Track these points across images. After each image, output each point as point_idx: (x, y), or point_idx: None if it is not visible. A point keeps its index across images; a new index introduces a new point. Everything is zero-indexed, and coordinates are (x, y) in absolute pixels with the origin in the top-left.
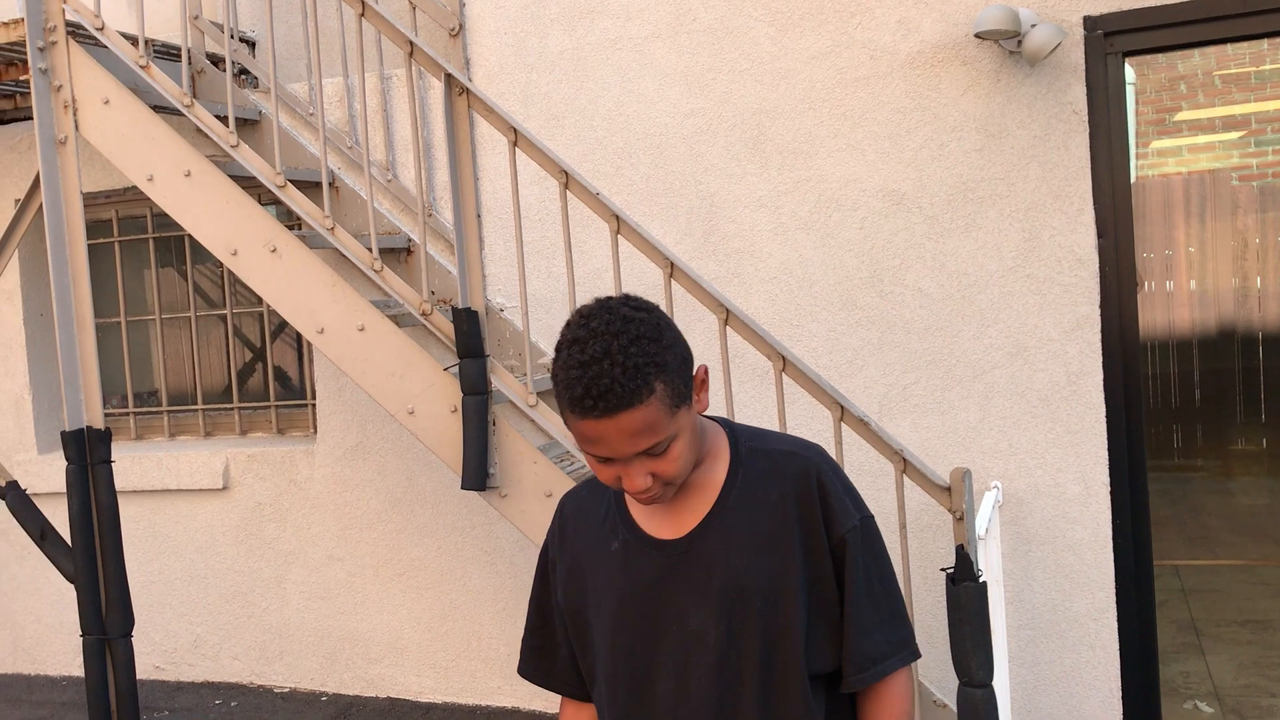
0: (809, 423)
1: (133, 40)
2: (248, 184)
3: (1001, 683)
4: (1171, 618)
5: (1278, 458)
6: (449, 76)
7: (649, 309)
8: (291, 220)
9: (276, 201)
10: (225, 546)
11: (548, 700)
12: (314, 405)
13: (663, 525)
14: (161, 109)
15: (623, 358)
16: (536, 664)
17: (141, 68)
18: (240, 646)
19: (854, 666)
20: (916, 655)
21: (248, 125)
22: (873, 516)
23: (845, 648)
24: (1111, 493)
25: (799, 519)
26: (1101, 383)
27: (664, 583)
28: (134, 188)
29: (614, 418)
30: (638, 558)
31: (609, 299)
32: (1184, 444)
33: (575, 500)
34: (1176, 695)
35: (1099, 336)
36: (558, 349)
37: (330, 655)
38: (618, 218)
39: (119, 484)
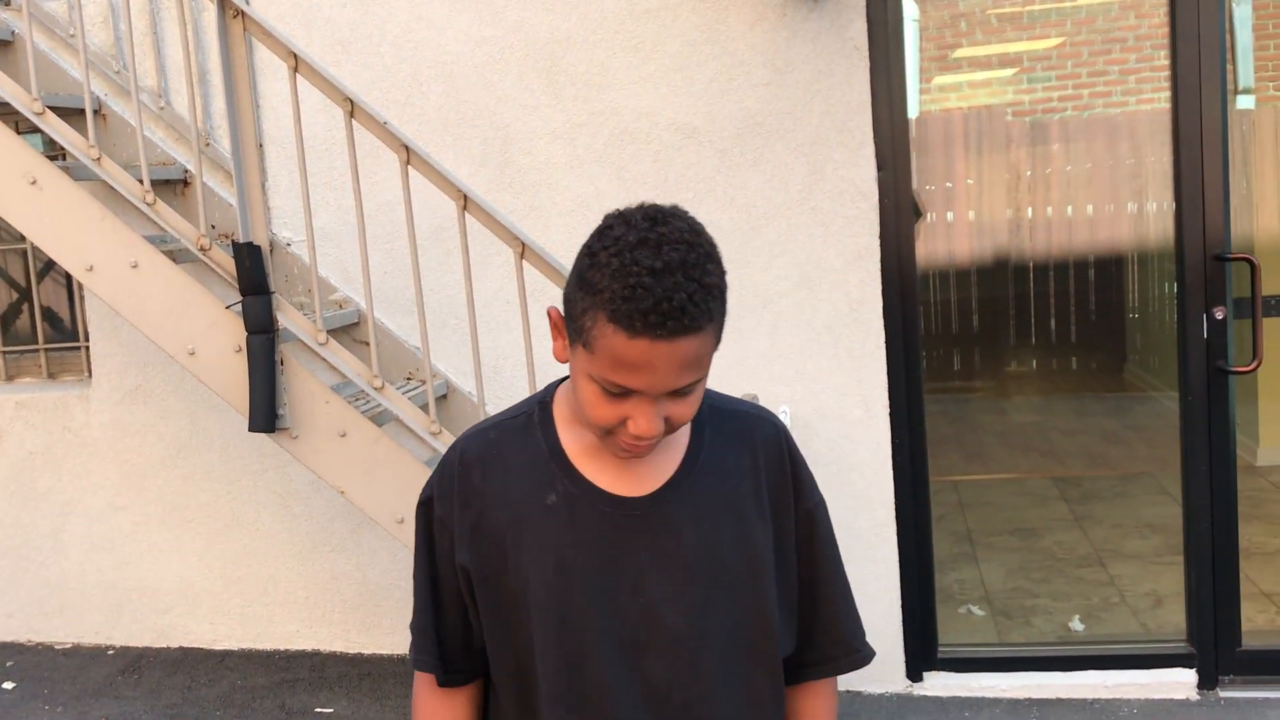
0: None
1: None
2: (2, 112)
3: None
4: (950, 530)
5: (1047, 378)
6: None
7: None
8: (54, 151)
9: (35, 130)
10: None
11: (347, 641)
12: (88, 348)
13: (619, 481)
14: None
15: (699, 273)
16: (435, 649)
17: None
18: (15, 603)
19: (828, 651)
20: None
21: (0, 47)
22: None
23: (821, 628)
24: (891, 414)
25: (770, 486)
26: (881, 310)
27: (619, 545)
28: None
29: (674, 341)
30: (586, 514)
31: (665, 207)
32: (963, 367)
33: (483, 444)
34: (952, 601)
35: (879, 266)
36: (608, 248)
37: (116, 607)
38: (407, 148)
39: None
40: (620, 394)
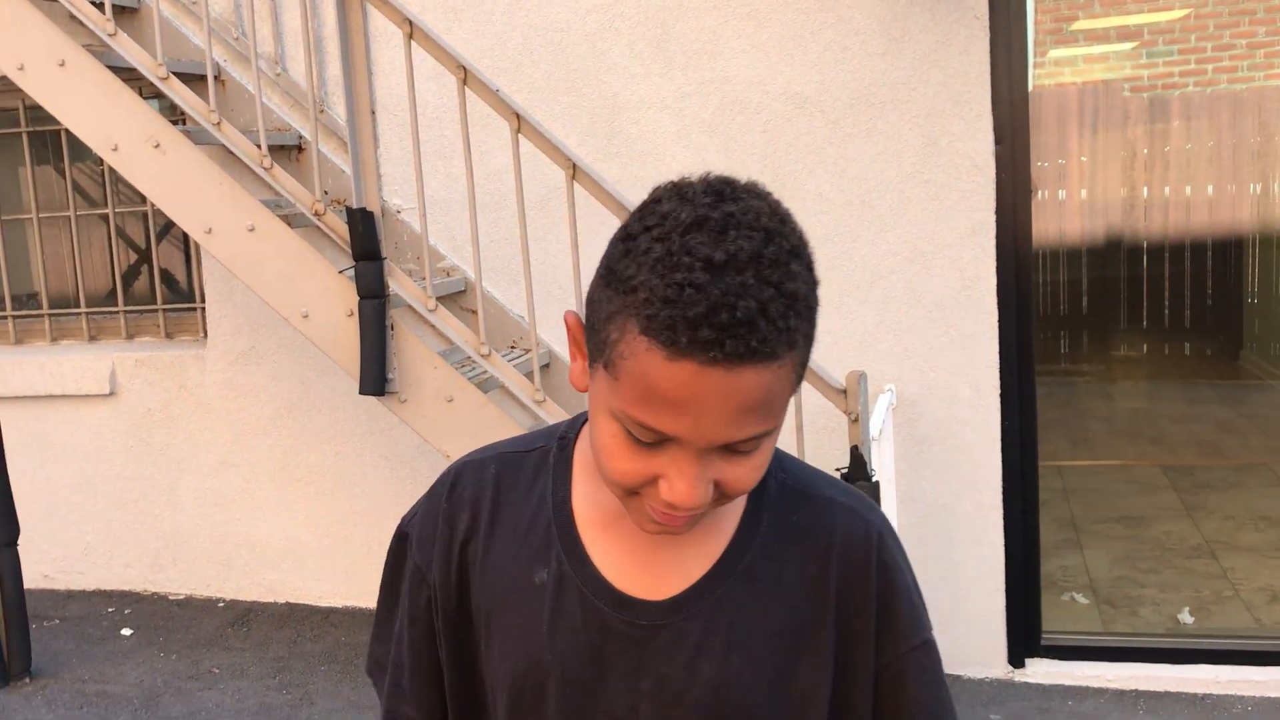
0: None
1: None
2: (128, 76)
3: None
4: (1053, 515)
5: (1157, 363)
6: None
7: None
8: (175, 115)
9: (159, 95)
10: (114, 453)
11: None
12: (203, 309)
13: (633, 569)
14: None
15: (779, 274)
16: (394, 690)
17: None
18: (133, 554)
19: None
20: None
21: (126, 13)
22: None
23: None
24: (1001, 396)
25: (842, 614)
26: (995, 288)
27: (612, 664)
28: (4, 78)
29: (735, 370)
30: (576, 610)
31: (739, 180)
32: (1071, 349)
33: (480, 480)
34: (1055, 588)
35: (994, 242)
36: (650, 229)
37: (226, 561)
38: (518, 116)
39: None
40: (653, 443)
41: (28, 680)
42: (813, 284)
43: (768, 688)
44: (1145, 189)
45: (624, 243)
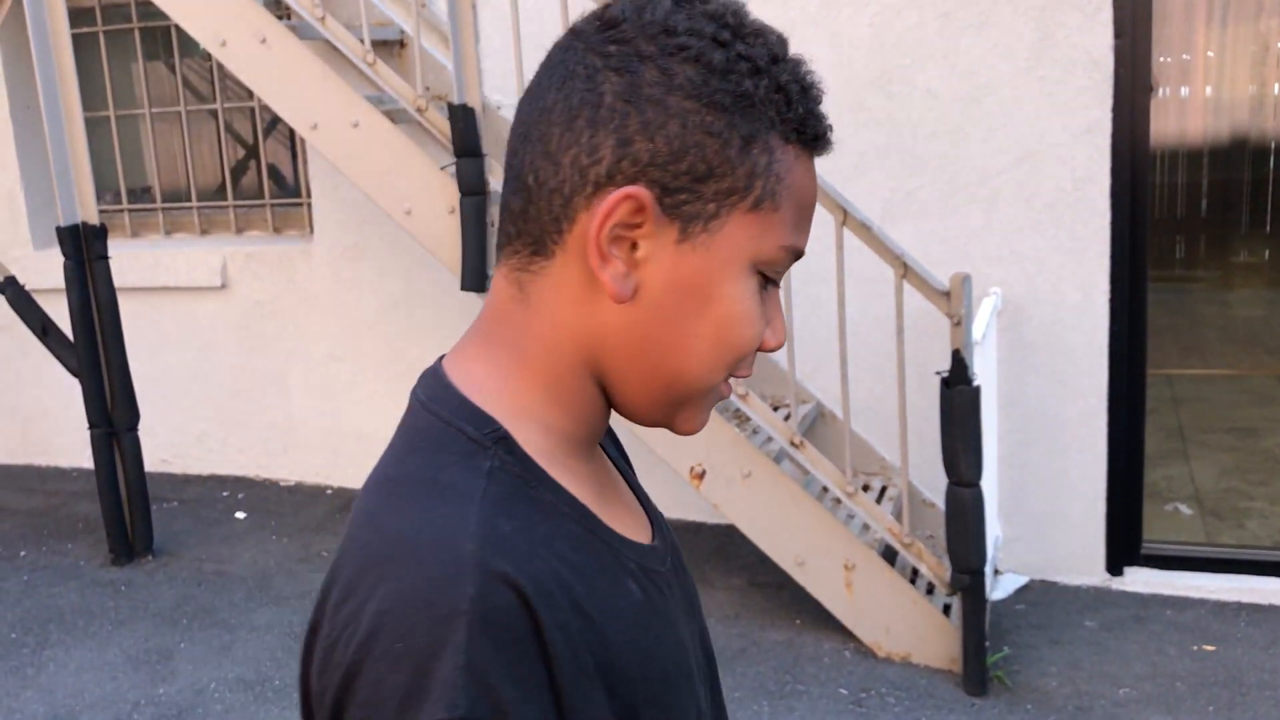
0: (812, 227)
1: None
2: None
3: (990, 483)
4: (1160, 425)
5: (1278, 270)
6: None
7: None
8: (280, 11)
9: None
10: (226, 344)
11: None
12: (309, 204)
13: (622, 521)
14: None
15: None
16: None
17: None
18: (245, 441)
19: None
20: None
21: None
22: None
23: None
24: (1111, 301)
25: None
26: (1109, 189)
27: (680, 622)
28: None
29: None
30: (655, 589)
31: None
32: (1186, 254)
33: (519, 549)
34: (1159, 498)
35: (1109, 142)
36: (719, 35)
37: (334, 451)
38: None
39: (116, 281)
40: (767, 283)
41: (150, 558)
42: None
43: None
44: (1277, 86)
45: (701, 62)
